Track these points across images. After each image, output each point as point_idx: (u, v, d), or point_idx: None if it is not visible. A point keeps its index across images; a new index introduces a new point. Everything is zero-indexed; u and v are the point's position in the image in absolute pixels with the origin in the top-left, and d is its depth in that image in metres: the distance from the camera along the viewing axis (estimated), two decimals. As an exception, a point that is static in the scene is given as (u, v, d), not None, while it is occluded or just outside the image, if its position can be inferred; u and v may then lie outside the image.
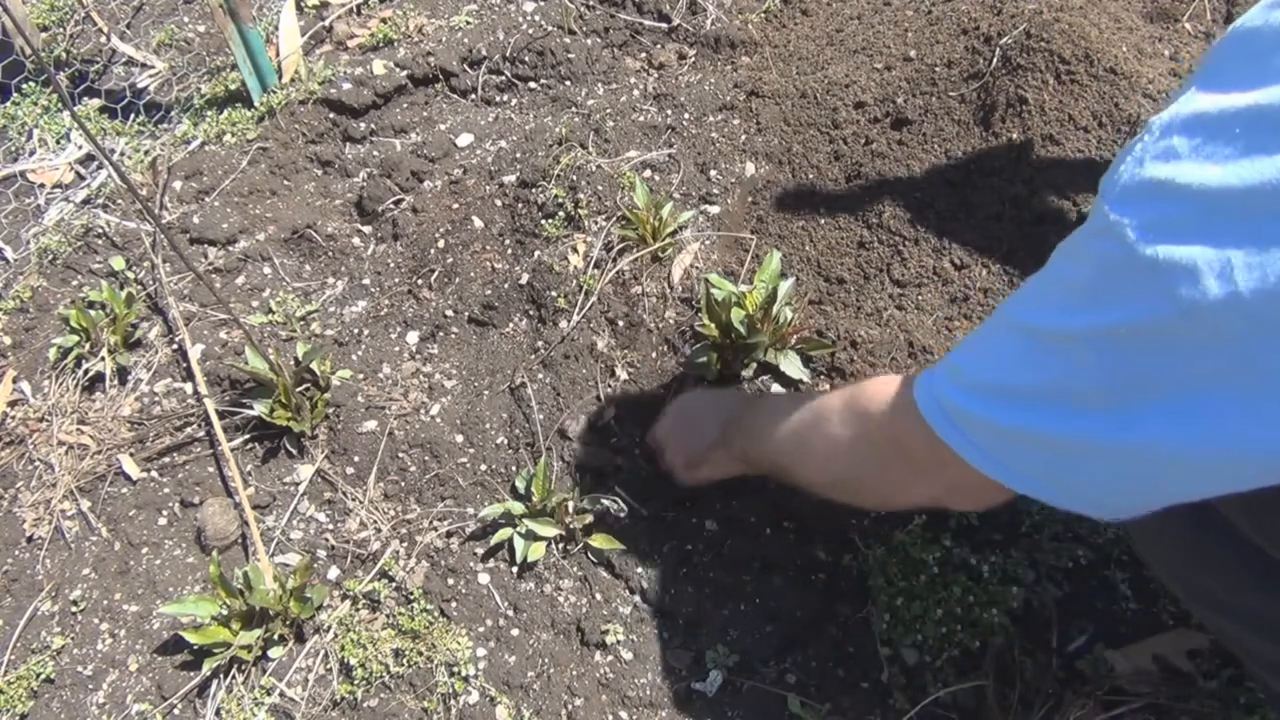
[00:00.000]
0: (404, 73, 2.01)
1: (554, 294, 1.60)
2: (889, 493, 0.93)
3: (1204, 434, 0.56)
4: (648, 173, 1.74)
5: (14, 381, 1.77)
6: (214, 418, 1.59)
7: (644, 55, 1.99)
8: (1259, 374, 0.52)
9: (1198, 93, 0.55)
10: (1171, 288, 0.53)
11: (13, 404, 1.74)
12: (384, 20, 2.16)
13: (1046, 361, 0.64)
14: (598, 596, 1.38)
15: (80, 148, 2.18)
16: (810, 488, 1.07)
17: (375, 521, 1.50)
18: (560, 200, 1.68)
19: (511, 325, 1.65)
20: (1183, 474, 0.61)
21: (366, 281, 1.79)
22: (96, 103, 2.22)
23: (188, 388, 1.70)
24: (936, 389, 0.77)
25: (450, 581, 1.42)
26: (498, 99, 2.02)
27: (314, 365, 1.59)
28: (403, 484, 1.53)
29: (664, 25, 2.00)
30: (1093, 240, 0.60)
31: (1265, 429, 0.54)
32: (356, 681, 1.35)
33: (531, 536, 1.40)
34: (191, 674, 1.40)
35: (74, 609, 1.51)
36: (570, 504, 1.39)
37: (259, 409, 1.55)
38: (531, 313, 1.64)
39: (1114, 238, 0.56)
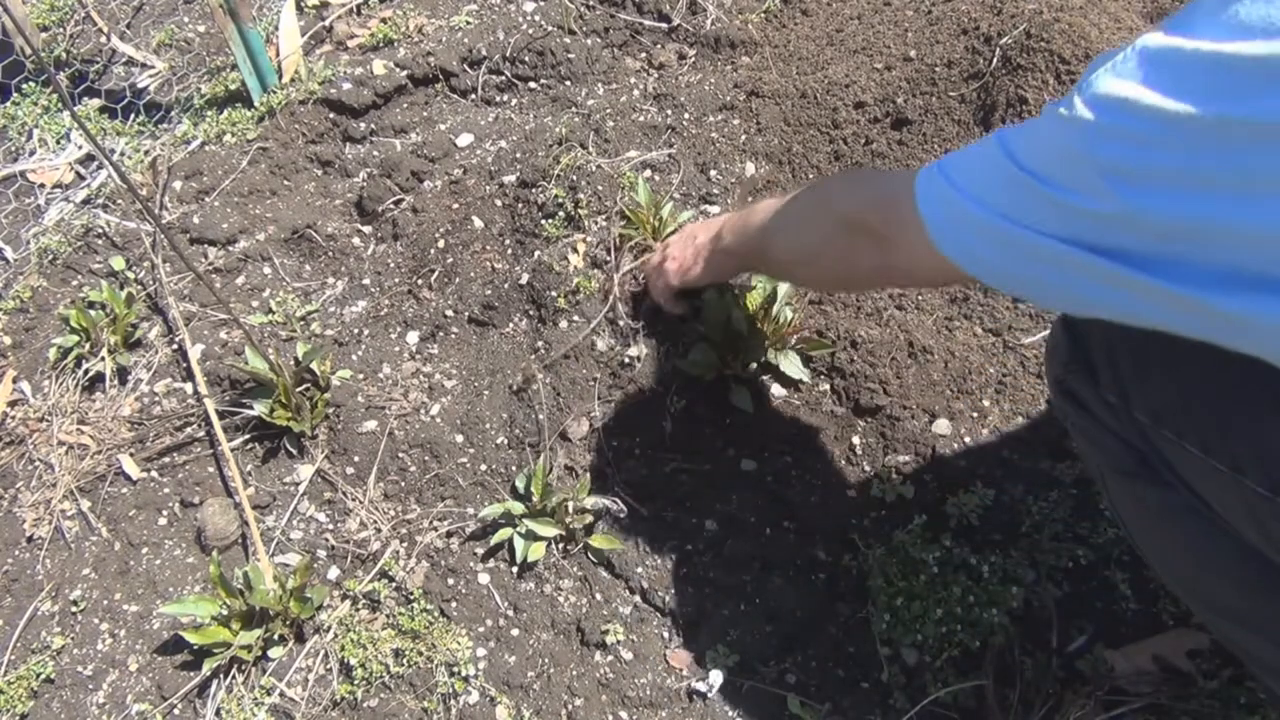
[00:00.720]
0: (404, 73, 2.01)
1: (554, 294, 1.60)
2: (847, 266, 1.06)
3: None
4: (648, 173, 1.74)
5: (14, 381, 1.77)
6: (214, 418, 1.59)
7: (644, 55, 1.99)
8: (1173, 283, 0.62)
9: (1173, 33, 0.61)
10: (1114, 188, 0.61)
11: (13, 404, 1.74)
12: (384, 20, 2.16)
13: (1017, 194, 0.72)
14: (598, 596, 1.38)
15: (80, 148, 2.18)
16: (777, 267, 1.24)
17: (375, 521, 1.50)
18: (560, 200, 1.68)
19: (511, 325, 1.65)
20: (1125, 299, 0.68)
21: (366, 281, 1.79)
22: (96, 103, 2.22)
23: (188, 388, 1.70)
24: (935, 182, 0.85)
25: (450, 581, 1.42)
26: (498, 99, 2.01)
27: (314, 365, 1.59)
28: (403, 484, 1.53)
29: (664, 25, 2.00)
30: (1062, 124, 0.66)
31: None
32: (356, 681, 1.35)
33: (531, 536, 1.40)
34: (191, 674, 1.40)
35: (74, 609, 1.51)
36: (570, 504, 1.39)
37: (259, 409, 1.55)
38: (531, 313, 1.64)
39: (1075, 130, 0.64)
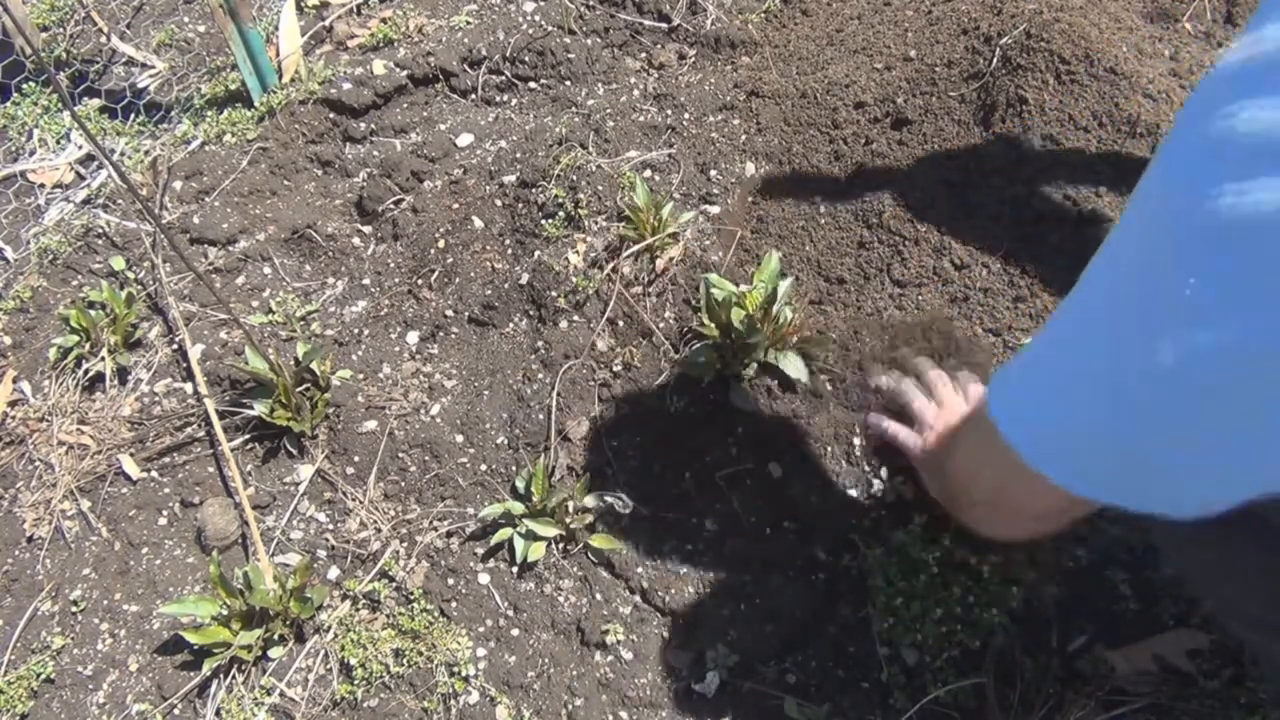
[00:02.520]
0: (404, 73, 2.01)
1: (554, 294, 1.60)
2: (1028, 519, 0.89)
3: None
4: (648, 173, 1.74)
5: (14, 381, 1.77)
6: (214, 418, 1.59)
7: (644, 55, 1.99)
8: None
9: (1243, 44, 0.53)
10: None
11: (13, 404, 1.74)
12: (384, 20, 2.16)
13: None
14: (598, 596, 1.38)
15: (80, 148, 2.18)
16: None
17: (375, 521, 1.50)
18: (560, 200, 1.68)
19: (511, 325, 1.65)
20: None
21: (366, 281, 1.79)
22: (96, 103, 2.22)
23: (188, 388, 1.70)
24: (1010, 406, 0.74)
25: (450, 581, 1.42)
26: (498, 99, 2.02)
27: (314, 365, 1.59)
28: (403, 484, 1.53)
29: (664, 25, 2.00)
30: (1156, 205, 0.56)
31: None
32: (356, 681, 1.35)
33: (531, 536, 1.40)
34: (191, 674, 1.40)
35: (74, 609, 1.51)
36: (570, 504, 1.39)
37: (259, 409, 1.55)
38: (531, 313, 1.64)
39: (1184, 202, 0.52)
